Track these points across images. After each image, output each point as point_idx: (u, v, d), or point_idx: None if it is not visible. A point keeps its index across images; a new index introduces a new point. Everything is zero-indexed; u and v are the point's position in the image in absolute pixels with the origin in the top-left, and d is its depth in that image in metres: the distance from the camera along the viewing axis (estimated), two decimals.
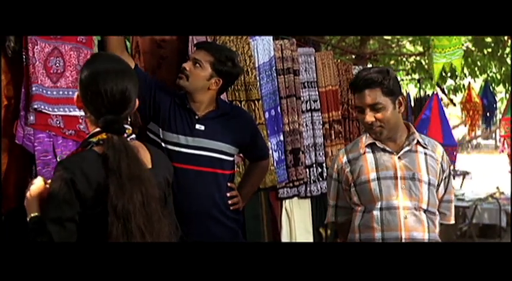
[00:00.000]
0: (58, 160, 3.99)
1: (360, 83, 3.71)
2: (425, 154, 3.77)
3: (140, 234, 2.66)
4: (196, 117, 4.27)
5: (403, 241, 3.67)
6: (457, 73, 12.01)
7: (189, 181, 4.19)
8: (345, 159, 3.90)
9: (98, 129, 2.80)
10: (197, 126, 4.25)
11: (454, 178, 4.06)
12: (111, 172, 2.67)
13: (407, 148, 3.74)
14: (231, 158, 4.43)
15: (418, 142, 3.77)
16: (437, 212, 3.83)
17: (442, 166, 3.81)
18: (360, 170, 3.80)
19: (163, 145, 4.21)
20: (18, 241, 3.88)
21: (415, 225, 3.70)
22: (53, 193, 2.66)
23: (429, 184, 3.73)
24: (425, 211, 3.73)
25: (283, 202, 6.20)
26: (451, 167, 3.94)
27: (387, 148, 3.76)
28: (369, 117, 3.67)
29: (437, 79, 7.21)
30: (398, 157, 3.73)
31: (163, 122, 4.26)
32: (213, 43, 4.49)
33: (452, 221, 3.99)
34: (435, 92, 8.77)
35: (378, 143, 3.77)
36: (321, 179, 6.53)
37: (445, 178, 3.85)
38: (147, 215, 2.71)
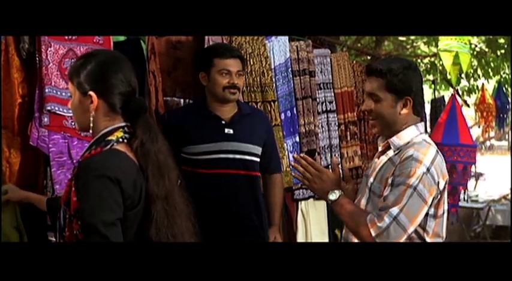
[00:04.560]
0: (74, 161, 3.98)
1: (369, 68, 3.52)
2: (389, 158, 3.46)
3: (178, 214, 2.82)
4: (223, 122, 4.37)
5: (342, 240, 3.66)
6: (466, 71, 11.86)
7: (227, 184, 4.35)
8: None
9: (109, 127, 2.80)
10: (226, 130, 4.35)
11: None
12: (149, 155, 2.76)
13: (382, 150, 3.56)
14: (258, 160, 4.51)
15: (389, 145, 3.49)
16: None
17: (394, 171, 3.32)
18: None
19: (196, 157, 4.35)
20: (31, 240, 3.89)
21: None
22: (101, 195, 2.60)
23: (370, 189, 3.48)
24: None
25: (299, 203, 6.20)
26: (410, 179, 3.20)
27: (380, 148, 3.63)
28: (365, 104, 3.50)
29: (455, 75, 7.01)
30: (378, 157, 3.59)
31: (190, 139, 4.36)
32: (227, 47, 4.69)
33: (373, 233, 3.21)
34: (455, 93, 8.70)
35: (379, 139, 3.65)
36: None
37: (392, 184, 3.28)
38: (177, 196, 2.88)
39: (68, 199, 2.70)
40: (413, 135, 3.42)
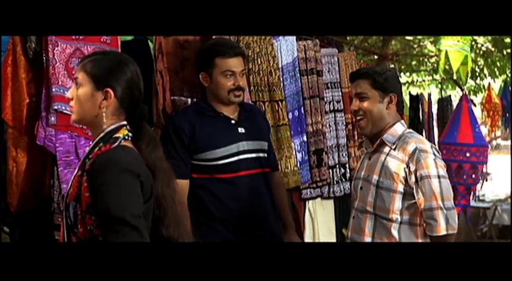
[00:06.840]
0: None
1: (354, 73, 3.84)
2: (388, 154, 3.63)
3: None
4: (233, 121, 4.26)
5: (349, 241, 3.78)
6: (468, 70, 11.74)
7: (250, 186, 4.27)
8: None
9: (114, 125, 2.80)
10: (239, 130, 4.26)
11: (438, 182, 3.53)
12: (156, 159, 2.83)
13: (374, 148, 3.73)
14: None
15: (383, 142, 3.68)
16: (396, 219, 3.57)
17: (408, 167, 3.54)
18: (356, 169, 3.97)
19: (214, 163, 4.18)
20: (35, 239, 3.90)
21: (356, 227, 3.72)
22: (127, 188, 2.61)
23: (378, 186, 3.61)
24: (375, 215, 3.63)
25: (307, 202, 6.18)
26: (429, 170, 3.51)
27: (368, 149, 3.81)
28: (353, 105, 3.75)
29: (443, 68, 6.90)
30: (369, 157, 3.76)
31: (204, 146, 4.18)
32: (229, 45, 4.36)
33: (442, 232, 3.47)
34: (465, 93, 8.65)
35: (364, 143, 3.88)
36: (344, 179, 6.49)
37: (416, 181, 3.52)
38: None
39: (78, 195, 2.66)
40: (402, 130, 3.71)
